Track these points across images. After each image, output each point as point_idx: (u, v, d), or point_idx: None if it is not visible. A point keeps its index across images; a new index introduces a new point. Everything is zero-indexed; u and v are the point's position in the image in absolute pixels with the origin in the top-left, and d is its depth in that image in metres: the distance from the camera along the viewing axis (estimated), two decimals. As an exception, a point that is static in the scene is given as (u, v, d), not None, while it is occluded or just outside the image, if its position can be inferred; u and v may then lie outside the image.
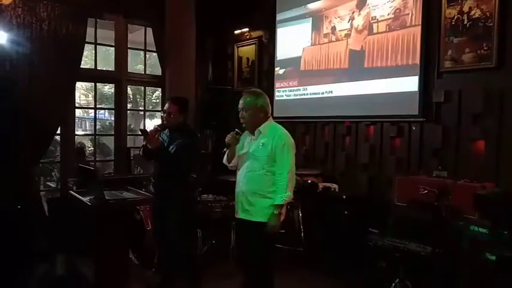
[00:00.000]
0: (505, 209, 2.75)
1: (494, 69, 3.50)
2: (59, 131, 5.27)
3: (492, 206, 2.79)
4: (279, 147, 2.79)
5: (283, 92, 5.50)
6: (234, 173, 3.08)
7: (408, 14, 4.11)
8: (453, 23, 3.75)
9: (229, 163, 3.02)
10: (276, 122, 3.01)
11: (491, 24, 3.49)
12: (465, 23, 3.67)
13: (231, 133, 2.93)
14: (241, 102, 2.92)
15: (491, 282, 2.55)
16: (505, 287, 2.52)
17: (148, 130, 3.42)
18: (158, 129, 3.43)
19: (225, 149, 3.00)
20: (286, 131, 2.93)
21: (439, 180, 3.53)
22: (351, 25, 4.67)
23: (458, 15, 3.72)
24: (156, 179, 3.59)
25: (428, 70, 3.96)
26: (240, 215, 2.93)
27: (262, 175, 2.81)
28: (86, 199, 3.06)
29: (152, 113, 8.09)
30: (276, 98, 5.57)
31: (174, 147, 3.40)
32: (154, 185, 3.59)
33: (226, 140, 2.92)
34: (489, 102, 3.55)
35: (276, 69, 5.62)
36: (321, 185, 4.50)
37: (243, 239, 3.02)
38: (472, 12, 3.63)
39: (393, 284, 3.23)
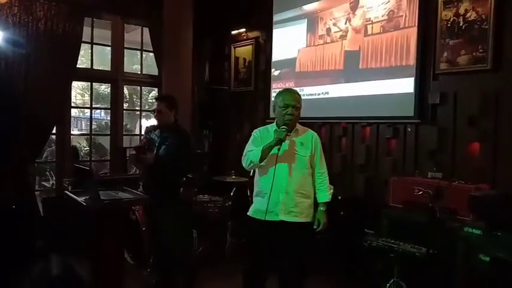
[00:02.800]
0: (498, 210, 2.76)
1: (490, 72, 3.51)
2: (54, 131, 5.26)
3: (486, 207, 2.80)
4: (318, 149, 2.90)
5: (280, 93, 5.50)
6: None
7: (402, 15, 4.12)
8: (449, 25, 3.77)
9: (260, 162, 2.76)
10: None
11: (486, 26, 3.51)
12: (461, 25, 3.69)
13: (282, 130, 2.71)
14: (290, 98, 2.80)
15: (485, 283, 2.57)
16: (498, 288, 2.53)
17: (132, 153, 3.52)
18: (139, 147, 3.57)
19: (278, 146, 2.67)
20: None
21: (434, 181, 3.55)
22: (346, 26, 4.68)
23: (454, 18, 3.74)
24: (145, 180, 3.60)
25: (424, 72, 3.98)
26: (283, 217, 2.77)
27: (306, 175, 2.83)
28: (81, 199, 3.05)
29: (148, 113, 8.07)
30: (273, 99, 5.56)
31: (165, 149, 3.42)
32: (144, 187, 3.59)
33: (281, 136, 2.67)
34: (484, 104, 3.56)
35: (272, 70, 5.62)
36: (317, 186, 4.50)
37: (281, 242, 2.80)
38: (468, 15, 3.65)
39: (388, 285, 3.24)
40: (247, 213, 2.96)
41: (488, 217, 2.70)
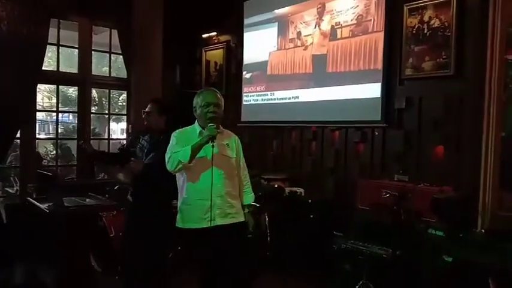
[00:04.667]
0: (460, 212, 2.85)
1: (453, 77, 3.62)
2: (19, 135, 5.09)
3: (448, 209, 2.89)
4: (241, 151, 2.88)
5: (251, 97, 5.51)
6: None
7: (370, 20, 4.21)
8: (414, 32, 3.87)
9: (189, 162, 2.57)
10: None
11: (449, 33, 3.62)
12: (425, 32, 3.80)
13: (212, 126, 2.58)
14: (211, 96, 2.74)
15: (448, 283, 2.64)
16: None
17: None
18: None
19: (212, 144, 2.55)
20: None
21: (400, 184, 3.63)
22: (315, 30, 4.74)
23: (419, 25, 3.85)
24: (134, 188, 3.49)
25: (390, 77, 4.07)
26: (220, 221, 2.65)
27: (235, 176, 2.79)
28: (44, 206, 2.96)
29: (118, 116, 7.93)
30: (244, 103, 5.59)
31: (153, 156, 3.29)
32: (133, 194, 3.49)
33: (213, 133, 2.54)
34: (448, 109, 3.67)
35: (243, 73, 5.63)
36: (287, 189, 4.53)
37: (224, 247, 2.67)
38: (432, 22, 3.76)
39: (357, 287, 3.28)
40: (177, 225, 2.75)
41: (450, 219, 2.78)
